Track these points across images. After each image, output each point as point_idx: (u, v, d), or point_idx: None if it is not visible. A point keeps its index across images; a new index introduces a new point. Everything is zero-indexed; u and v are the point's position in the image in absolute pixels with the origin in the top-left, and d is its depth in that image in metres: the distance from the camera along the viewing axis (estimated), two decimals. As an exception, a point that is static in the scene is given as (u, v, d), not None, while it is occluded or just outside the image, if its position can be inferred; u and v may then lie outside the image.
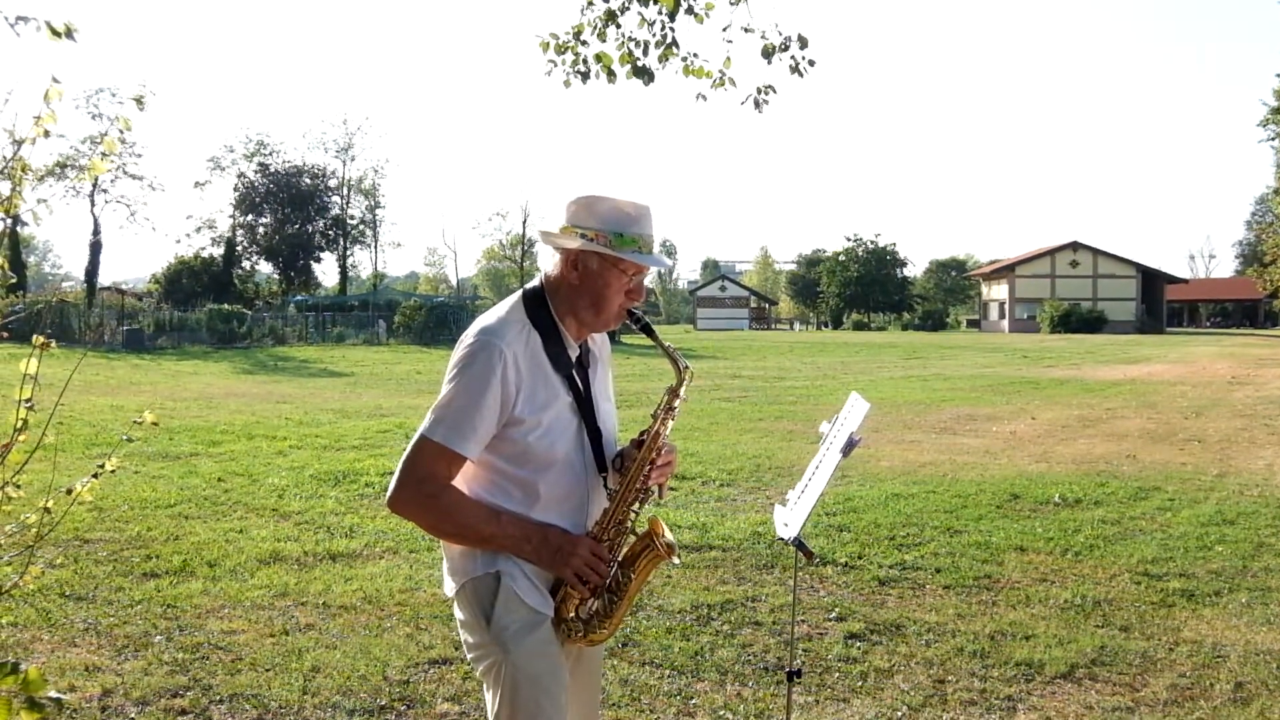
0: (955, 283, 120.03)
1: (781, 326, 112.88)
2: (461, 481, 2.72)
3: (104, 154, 2.12)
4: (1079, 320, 75.76)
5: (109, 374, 26.60)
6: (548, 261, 2.81)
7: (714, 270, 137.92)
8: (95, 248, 56.74)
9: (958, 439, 14.49)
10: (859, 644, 5.73)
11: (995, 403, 19.75)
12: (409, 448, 2.68)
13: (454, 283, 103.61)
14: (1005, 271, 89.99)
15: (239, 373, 28.33)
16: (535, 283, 2.83)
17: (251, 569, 7.14)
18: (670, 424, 2.82)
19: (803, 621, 6.10)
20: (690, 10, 5.75)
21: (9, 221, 1.93)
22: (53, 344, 2.22)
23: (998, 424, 16.29)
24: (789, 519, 3.09)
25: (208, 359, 34.50)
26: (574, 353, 2.81)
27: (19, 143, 1.90)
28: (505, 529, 2.69)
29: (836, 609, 6.32)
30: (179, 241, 65.40)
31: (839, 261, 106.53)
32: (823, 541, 7.90)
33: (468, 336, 2.72)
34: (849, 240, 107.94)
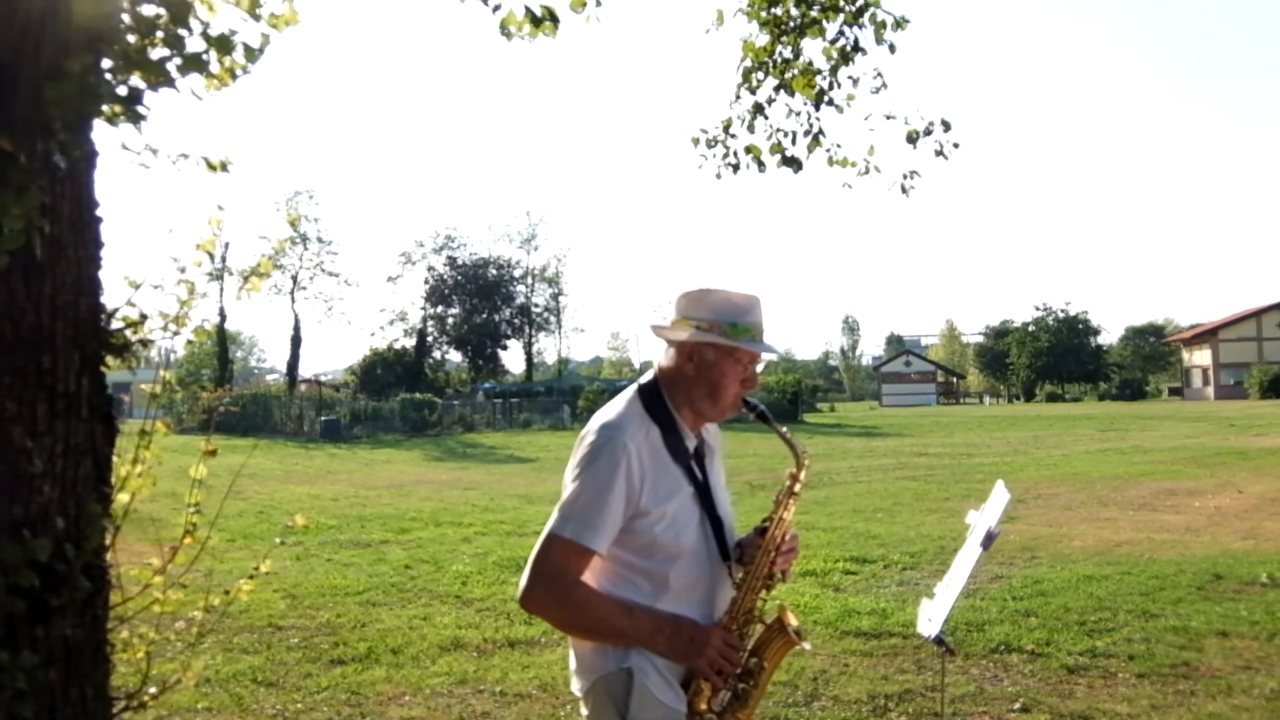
0: (1154, 349, 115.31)
1: (970, 400, 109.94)
2: (589, 576, 2.72)
3: (259, 274, 2.28)
4: (1291, 385, 71.54)
5: (308, 463, 27.87)
6: (661, 355, 2.86)
7: (898, 345, 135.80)
8: (295, 342, 59.54)
9: (1156, 515, 13.80)
10: (1044, 737, 5.48)
11: (1198, 476, 18.75)
12: (538, 545, 2.68)
13: (636, 366, 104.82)
14: (1207, 336, 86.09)
15: (429, 460, 29.23)
16: (649, 376, 2.87)
17: (433, 656, 7.31)
18: (792, 509, 2.82)
19: (984, 713, 5.88)
20: (830, 102, 5.80)
21: (172, 338, 2.08)
22: (217, 450, 2.37)
23: (1200, 499, 15.45)
24: (933, 614, 3.02)
25: (400, 447, 35.71)
26: (691, 444, 2.83)
27: (183, 269, 2.06)
28: (638, 622, 2.69)
29: (1021, 699, 6.06)
30: (373, 334, 67.92)
31: (1028, 332, 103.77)
32: (1008, 628, 7.62)
33: (589, 433, 2.74)
34: (1038, 309, 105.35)
